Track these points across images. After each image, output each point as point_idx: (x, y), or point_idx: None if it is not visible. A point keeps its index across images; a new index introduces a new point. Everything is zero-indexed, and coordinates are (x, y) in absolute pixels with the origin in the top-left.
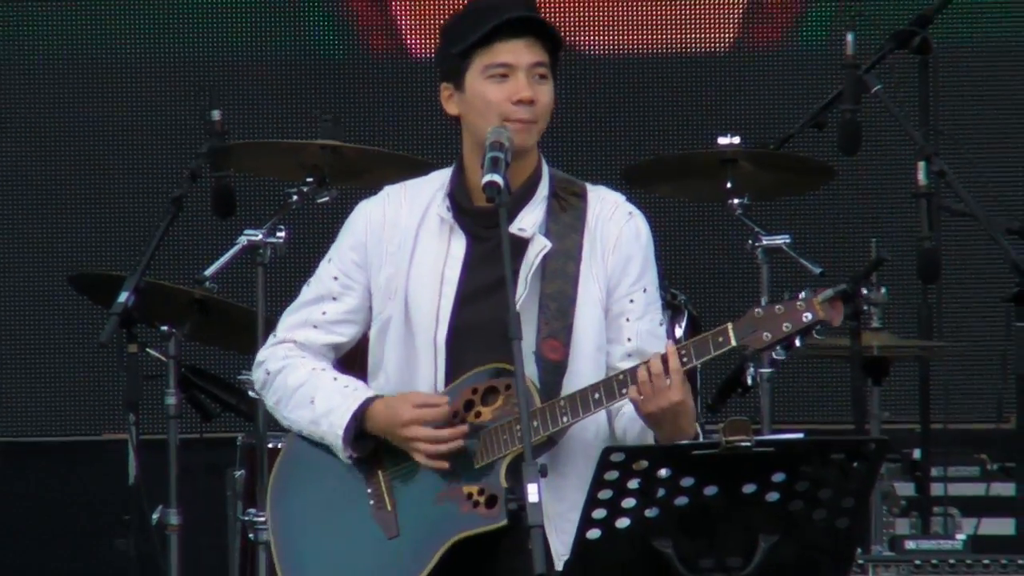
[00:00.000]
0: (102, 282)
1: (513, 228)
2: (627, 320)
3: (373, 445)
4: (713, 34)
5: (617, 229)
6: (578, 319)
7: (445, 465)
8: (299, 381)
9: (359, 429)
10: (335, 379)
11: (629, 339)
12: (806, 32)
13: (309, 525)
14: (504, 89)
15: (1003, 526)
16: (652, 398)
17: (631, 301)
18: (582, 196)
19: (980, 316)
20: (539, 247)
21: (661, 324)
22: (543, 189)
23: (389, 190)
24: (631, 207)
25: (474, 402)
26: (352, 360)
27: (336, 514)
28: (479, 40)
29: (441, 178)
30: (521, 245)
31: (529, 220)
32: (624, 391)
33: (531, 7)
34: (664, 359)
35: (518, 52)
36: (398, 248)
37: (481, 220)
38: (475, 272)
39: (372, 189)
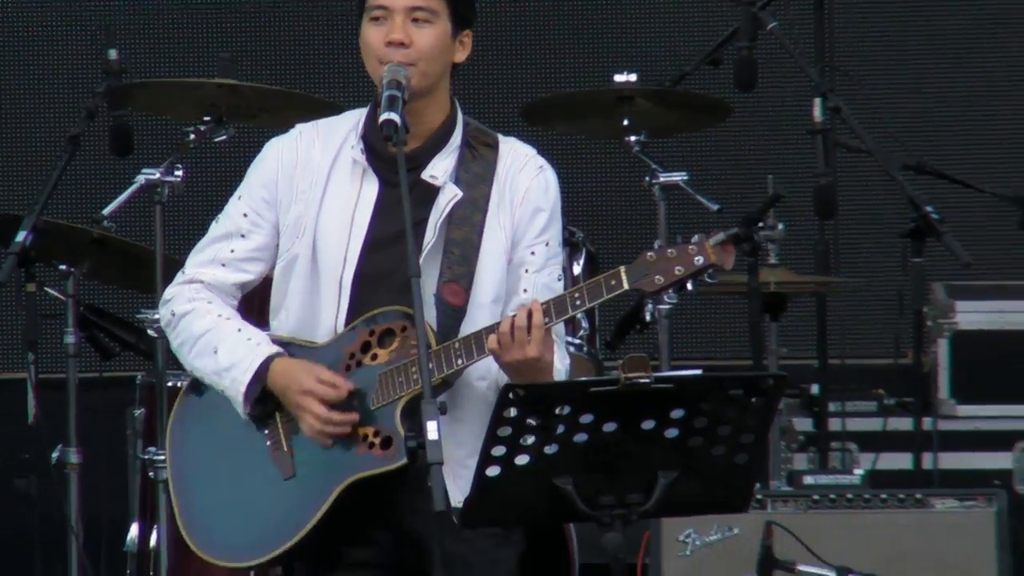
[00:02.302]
0: None
1: (425, 175)
2: (526, 271)
3: (272, 407)
4: None
5: (527, 181)
6: (480, 267)
7: (329, 442)
8: (203, 328)
9: (261, 387)
10: (239, 330)
11: (525, 290)
12: None
13: (206, 466)
14: (380, 31)
15: (901, 461)
16: (510, 349)
17: (532, 253)
18: (494, 147)
19: (877, 252)
20: (450, 195)
21: (559, 279)
22: (456, 137)
23: (301, 128)
24: (542, 160)
25: (371, 344)
26: (252, 299)
27: (233, 454)
28: None
29: (355, 118)
30: (432, 192)
31: (441, 168)
32: None
33: None
34: (529, 314)
35: None
36: (309, 187)
37: (394, 166)
38: (385, 217)
39: (271, 128)
